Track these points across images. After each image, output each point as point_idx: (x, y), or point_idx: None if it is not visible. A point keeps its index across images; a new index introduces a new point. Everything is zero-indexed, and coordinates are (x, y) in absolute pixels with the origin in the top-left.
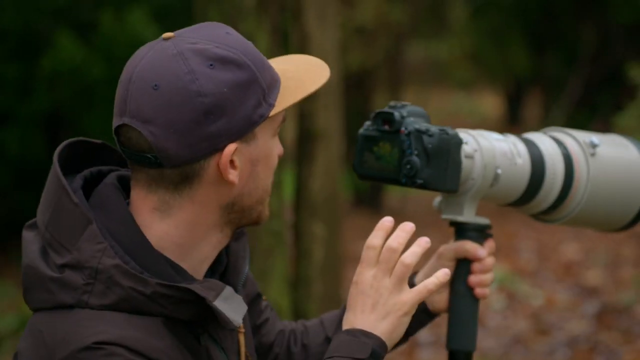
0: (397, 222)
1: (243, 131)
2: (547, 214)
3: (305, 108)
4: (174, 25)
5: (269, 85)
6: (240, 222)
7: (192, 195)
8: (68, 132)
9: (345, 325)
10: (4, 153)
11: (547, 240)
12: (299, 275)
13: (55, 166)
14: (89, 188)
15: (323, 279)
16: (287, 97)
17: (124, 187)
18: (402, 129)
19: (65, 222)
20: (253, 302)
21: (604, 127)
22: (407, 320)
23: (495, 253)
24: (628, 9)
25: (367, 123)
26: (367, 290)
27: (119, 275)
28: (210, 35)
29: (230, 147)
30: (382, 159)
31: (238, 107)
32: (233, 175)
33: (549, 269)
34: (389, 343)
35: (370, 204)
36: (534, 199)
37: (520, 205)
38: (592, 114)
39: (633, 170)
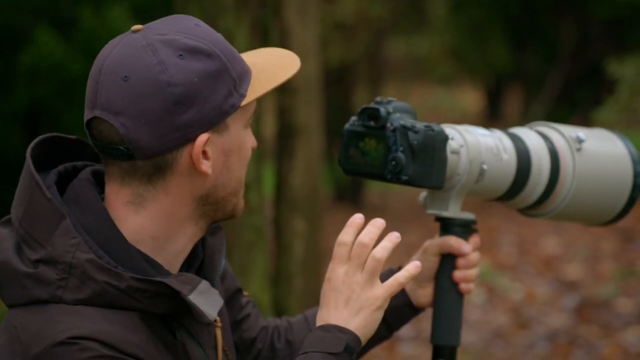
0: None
1: (214, 121)
2: (533, 209)
3: (285, 103)
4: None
5: (240, 75)
6: (216, 215)
7: (165, 187)
8: (48, 129)
9: (319, 322)
10: None
11: (528, 235)
12: (279, 270)
13: (29, 161)
14: (63, 184)
15: (304, 274)
16: (257, 88)
17: (99, 181)
18: (388, 125)
19: (39, 217)
20: (233, 297)
21: (584, 122)
22: (380, 314)
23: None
24: (608, 4)
25: (353, 118)
26: (340, 287)
27: (93, 270)
28: (180, 27)
29: (202, 137)
30: (368, 155)
31: (209, 96)
32: (206, 166)
33: (529, 263)
34: (363, 338)
35: (351, 199)
36: (520, 194)
37: (507, 200)
38: (572, 109)
39: (619, 165)
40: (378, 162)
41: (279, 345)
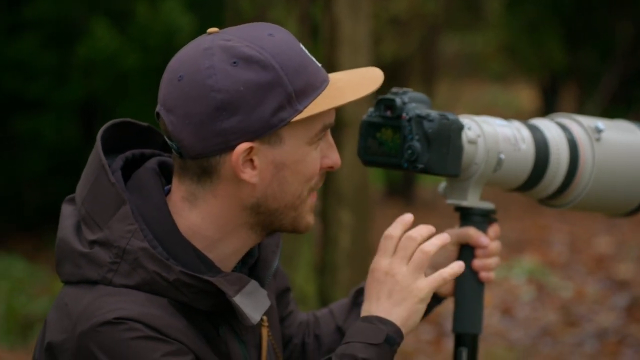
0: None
1: (259, 132)
2: (553, 199)
3: None
4: (208, 14)
5: (300, 90)
6: (272, 225)
7: (213, 190)
8: (103, 120)
9: (363, 313)
10: (39, 140)
11: (580, 233)
12: (325, 262)
13: (98, 144)
14: (130, 170)
15: (350, 266)
16: (319, 105)
17: (166, 172)
18: (404, 114)
19: (101, 200)
20: (282, 294)
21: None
22: (422, 307)
23: (526, 244)
24: None
25: (370, 109)
26: (382, 278)
27: (145, 258)
28: (250, 35)
29: (242, 146)
30: (385, 145)
31: (255, 107)
32: (248, 175)
33: (580, 261)
34: (406, 329)
35: (402, 195)
36: (539, 184)
37: (526, 190)
38: (628, 108)
39: (639, 155)
40: (395, 151)
41: (308, 340)
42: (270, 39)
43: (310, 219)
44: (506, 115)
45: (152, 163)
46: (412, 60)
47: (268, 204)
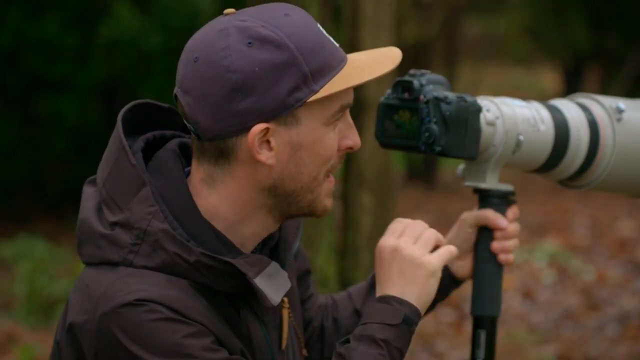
0: (450, 197)
1: (275, 112)
2: (573, 180)
3: None
4: None
5: (316, 70)
6: (289, 208)
7: (231, 172)
8: (124, 101)
9: (378, 294)
10: (61, 121)
11: (602, 217)
12: (346, 244)
13: (119, 125)
14: (151, 151)
15: (370, 249)
16: (336, 85)
17: (186, 154)
18: (421, 96)
19: (122, 181)
20: (302, 277)
21: None
22: (434, 282)
23: (548, 228)
24: None
25: (388, 92)
26: (390, 256)
27: (165, 240)
28: (265, 15)
29: (258, 127)
30: (402, 127)
31: (270, 87)
32: (265, 156)
33: (603, 245)
34: (422, 307)
35: (423, 178)
36: (559, 165)
37: (545, 172)
38: None
39: None
40: (412, 133)
41: (326, 324)
42: (287, 19)
43: (328, 203)
44: (529, 99)
45: (172, 144)
46: (434, 42)
47: (285, 186)
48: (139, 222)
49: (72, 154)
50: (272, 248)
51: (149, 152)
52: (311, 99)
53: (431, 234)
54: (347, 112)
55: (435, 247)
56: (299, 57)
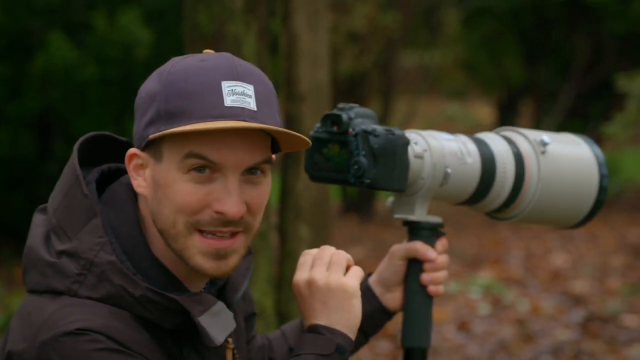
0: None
1: (138, 142)
2: (500, 212)
3: (292, 110)
4: (167, 27)
5: (172, 113)
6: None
7: None
8: (59, 133)
9: (307, 325)
10: None
11: (536, 249)
12: (283, 276)
13: (74, 155)
14: (105, 183)
15: None
16: (175, 130)
17: None
18: (350, 129)
19: (73, 210)
20: (248, 319)
21: (596, 136)
22: (357, 302)
23: (482, 260)
24: (621, 19)
25: (317, 125)
26: (307, 290)
27: (111, 272)
28: (191, 57)
29: (130, 151)
30: (332, 160)
31: (143, 115)
32: (136, 183)
33: (536, 277)
34: (351, 331)
35: (359, 210)
36: (486, 198)
37: (473, 204)
38: (585, 123)
39: (584, 167)
40: (341, 166)
41: None
42: (191, 62)
43: (202, 262)
44: (465, 132)
45: (127, 178)
46: (370, 75)
47: (156, 223)
48: (87, 253)
49: (3, 186)
50: (220, 288)
51: (103, 184)
52: (153, 136)
53: (341, 257)
54: (229, 176)
55: (348, 267)
56: (162, 94)
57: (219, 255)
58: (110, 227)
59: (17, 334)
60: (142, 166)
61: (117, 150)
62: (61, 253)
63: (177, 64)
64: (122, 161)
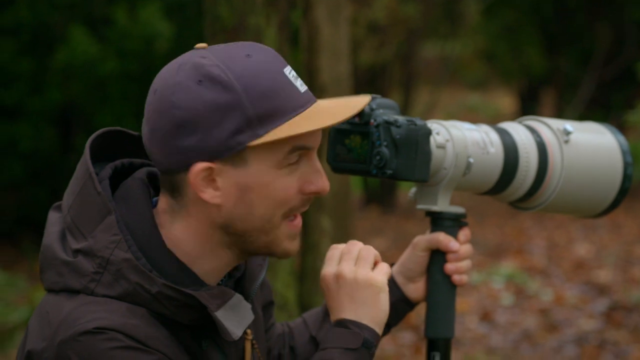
0: (408, 220)
1: (217, 153)
2: (523, 202)
3: None
4: (187, 21)
5: (263, 115)
6: (247, 247)
7: (186, 206)
8: (80, 127)
9: (333, 319)
10: (16, 147)
11: (559, 239)
12: (305, 267)
13: (86, 152)
14: (119, 179)
15: None
16: (283, 131)
17: (155, 183)
18: (372, 120)
19: (87, 208)
20: (266, 307)
21: (617, 125)
22: (385, 297)
23: (505, 250)
24: None
25: None
26: (335, 283)
27: (128, 270)
28: (226, 54)
29: (199, 165)
30: (354, 152)
31: (213, 128)
32: (209, 195)
33: (560, 266)
34: (379, 326)
35: (381, 202)
36: (509, 187)
37: (496, 194)
38: (607, 112)
39: (608, 156)
40: (363, 157)
41: (284, 352)
42: (245, 60)
43: (289, 245)
44: (486, 122)
45: (140, 173)
46: (391, 66)
47: (237, 226)
48: (102, 251)
49: (26, 180)
50: (237, 280)
51: (116, 180)
52: (256, 142)
53: (369, 252)
54: (313, 156)
55: (375, 263)
56: (244, 100)
57: (298, 234)
58: (124, 224)
59: (36, 333)
60: (211, 177)
61: (129, 145)
62: (77, 252)
63: (230, 68)
64: (135, 156)
